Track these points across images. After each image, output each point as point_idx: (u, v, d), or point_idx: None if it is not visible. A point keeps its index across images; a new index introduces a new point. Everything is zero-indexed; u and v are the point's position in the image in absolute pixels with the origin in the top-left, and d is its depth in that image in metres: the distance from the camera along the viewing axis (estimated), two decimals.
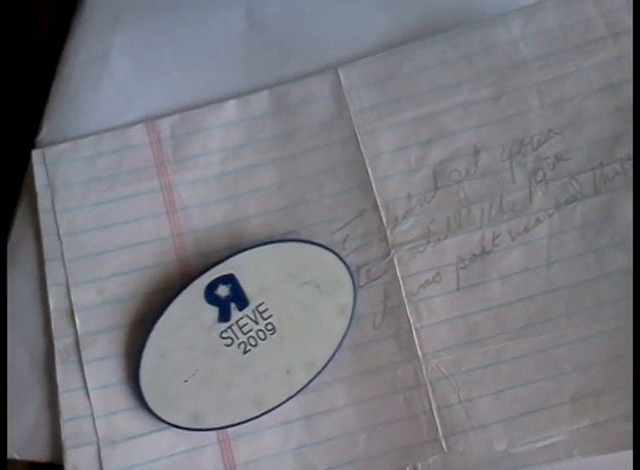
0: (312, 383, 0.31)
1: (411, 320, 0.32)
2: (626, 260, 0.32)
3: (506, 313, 0.32)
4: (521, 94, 0.34)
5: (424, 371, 0.32)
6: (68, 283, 0.32)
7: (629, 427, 0.31)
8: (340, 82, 0.35)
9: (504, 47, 0.35)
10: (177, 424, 0.31)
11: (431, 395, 0.31)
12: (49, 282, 0.33)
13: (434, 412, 0.31)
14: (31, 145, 0.35)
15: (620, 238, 0.32)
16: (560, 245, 0.32)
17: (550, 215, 0.33)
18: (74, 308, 0.32)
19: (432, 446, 0.31)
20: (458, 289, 0.32)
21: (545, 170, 0.33)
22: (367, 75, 0.35)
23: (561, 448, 0.31)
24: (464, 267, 0.33)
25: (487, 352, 0.32)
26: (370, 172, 0.34)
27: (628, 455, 0.30)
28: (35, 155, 0.34)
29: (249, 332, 0.31)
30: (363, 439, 0.31)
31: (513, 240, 0.33)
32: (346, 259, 0.32)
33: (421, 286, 0.33)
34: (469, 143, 0.34)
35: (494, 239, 0.33)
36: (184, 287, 0.31)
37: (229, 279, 0.31)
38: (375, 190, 0.33)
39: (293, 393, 0.31)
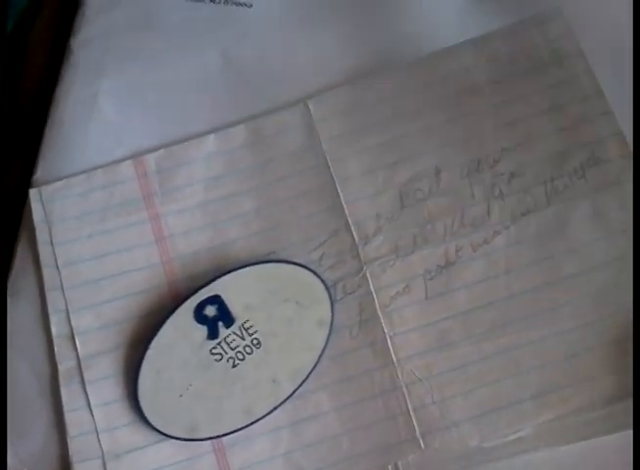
0: (297, 391, 0.34)
1: (385, 329, 0.35)
2: (579, 265, 0.35)
3: (471, 319, 0.35)
4: (476, 117, 0.37)
5: (399, 376, 0.34)
6: (67, 310, 0.35)
7: (589, 417, 0.33)
8: (310, 114, 0.38)
9: (458, 74, 0.38)
10: (175, 436, 0.33)
11: (407, 397, 0.34)
12: (50, 309, 0.35)
13: (411, 413, 0.34)
14: (28, 184, 0.37)
15: (572, 245, 0.35)
16: (517, 254, 0.35)
17: (507, 228, 0.35)
18: (75, 333, 0.34)
19: (410, 444, 0.33)
20: (426, 298, 0.35)
21: (501, 186, 0.36)
22: (334, 106, 0.38)
23: (528, 441, 0.33)
24: (431, 278, 0.35)
25: (456, 355, 0.34)
26: (341, 195, 0.36)
27: (589, 445, 0.33)
28: (32, 193, 0.36)
29: (236, 347, 0.34)
30: (346, 441, 0.33)
31: (474, 251, 0.35)
32: (323, 276, 0.35)
33: (392, 297, 0.35)
34: (430, 164, 0.37)
35: (457, 251, 0.35)
36: (175, 309, 0.33)
37: (215, 300, 0.34)
38: (346, 211, 0.36)
39: (279, 401, 0.33)
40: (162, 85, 0.39)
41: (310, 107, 0.37)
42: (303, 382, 0.34)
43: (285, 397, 0.34)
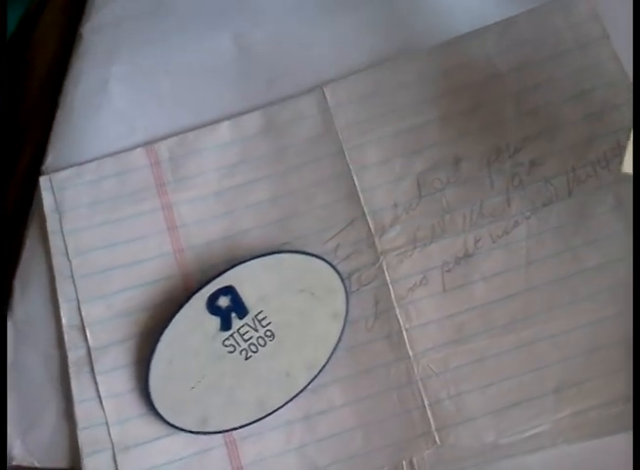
0: (311, 385, 0.33)
1: (401, 322, 0.34)
2: (600, 257, 0.34)
3: (490, 312, 0.34)
4: (497, 104, 0.36)
5: (415, 370, 0.33)
6: (78, 299, 0.34)
7: (609, 413, 0.32)
8: (326, 100, 0.37)
9: (479, 61, 0.37)
10: (186, 428, 0.32)
11: (422, 391, 0.33)
12: (60, 299, 0.34)
13: (427, 408, 0.33)
14: (38, 172, 0.37)
15: (594, 236, 0.34)
16: (538, 245, 0.34)
17: (527, 218, 0.35)
18: (85, 323, 0.34)
19: (425, 439, 0.33)
20: (444, 291, 0.34)
21: (521, 176, 0.35)
22: (351, 93, 0.37)
23: (546, 437, 0.32)
24: (449, 270, 0.34)
25: (473, 349, 0.34)
26: (357, 184, 0.36)
27: (607, 442, 0.32)
28: (43, 181, 0.36)
29: (249, 339, 0.33)
30: (361, 435, 0.33)
31: (494, 242, 0.35)
32: (338, 267, 0.34)
33: (409, 289, 0.34)
34: (449, 153, 0.36)
35: (476, 242, 0.35)
36: (187, 299, 0.33)
37: (229, 290, 0.33)
38: (362, 200, 0.35)
39: (293, 395, 0.33)
40: (175, 71, 0.39)
41: (326, 93, 0.37)
42: (317, 375, 0.33)
43: (298, 390, 0.33)
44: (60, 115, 0.38)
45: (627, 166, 0.27)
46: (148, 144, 0.37)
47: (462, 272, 0.34)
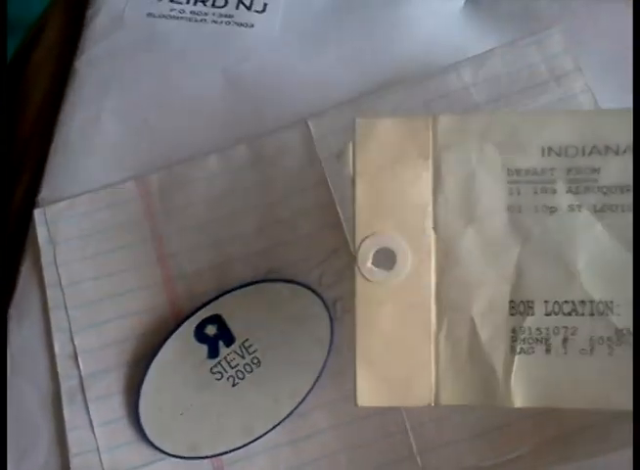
0: (297, 410, 0.34)
1: None
2: None
3: None
4: None
5: None
6: (71, 329, 0.35)
7: (591, 436, 0.33)
8: (310, 132, 0.38)
9: (457, 93, 0.38)
10: (176, 454, 0.33)
11: (404, 415, 0.34)
12: (54, 329, 0.35)
13: (409, 431, 0.34)
14: (33, 204, 0.38)
15: None
16: None
17: None
18: (78, 352, 0.35)
19: (407, 462, 0.33)
20: None
21: None
22: (334, 125, 0.38)
23: (527, 461, 0.33)
24: None
25: None
26: (340, 213, 0.37)
27: (590, 465, 0.32)
28: (37, 213, 0.37)
29: (236, 366, 0.34)
30: (345, 459, 0.34)
31: None
32: (323, 295, 0.35)
33: None
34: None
35: None
36: (176, 328, 0.34)
37: (216, 319, 0.34)
38: (345, 229, 0.36)
39: (279, 420, 0.34)
40: (165, 106, 0.40)
41: (310, 126, 0.38)
42: (303, 400, 0.34)
43: (284, 415, 0.34)
44: (54, 148, 0.39)
45: None
46: (138, 177, 0.38)
47: None
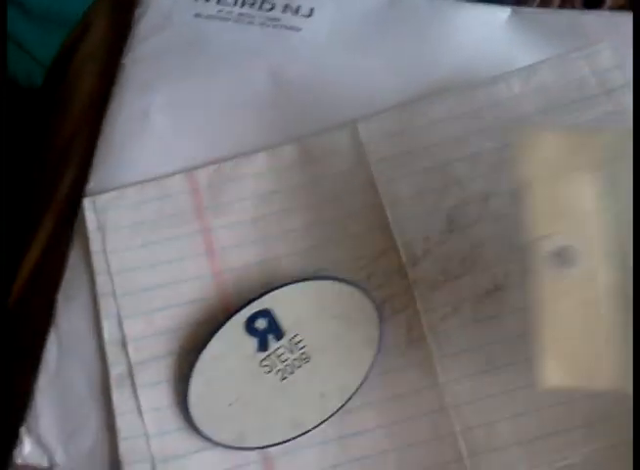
0: (345, 407, 0.34)
1: (433, 350, 0.35)
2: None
3: (520, 344, 0.35)
4: (517, 147, 0.38)
5: (446, 397, 0.34)
6: (120, 316, 0.35)
7: None
8: (359, 135, 0.38)
9: (507, 103, 0.39)
10: (223, 443, 0.33)
11: (454, 418, 0.34)
12: (102, 315, 0.35)
13: (458, 435, 0.34)
14: (80, 193, 0.38)
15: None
16: None
17: None
18: (127, 339, 0.35)
19: (456, 466, 0.33)
20: (475, 321, 0.35)
21: None
22: (383, 128, 0.38)
23: None
24: (479, 302, 0.35)
25: (503, 379, 0.34)
26: (389, 216, 0.37)
27: None
28: (87, 202, 0.37)
29: (285, 361, 0.34)
30: (393, 458, 0.33)
31: (522, 277, 0.36)
32: (371, 295, 0.35)
33: (440, 319, 0.35)
34: (479, 190, 0.37)
35: (505, 276, 0.36)
36: (226, 320, 0.34)
37: (266, 313, 0.34)
38: (394, 232, 0.37)
39: (327, 416, 0.33)
40: (213, 103, 0.40)
41: (359, 129, 0.38)
42: (350, 398, 0.34)
43: (332, 411, 0.34)
44: (102, 141, 0.39)
45: None
46: (187, 171, 0.38)
47: (492, 305, 0.35)
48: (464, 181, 0.37)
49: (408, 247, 0.36)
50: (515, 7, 0.42)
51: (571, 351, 0.27)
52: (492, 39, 0.41)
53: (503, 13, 0.42)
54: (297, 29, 0.42)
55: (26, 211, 0.42)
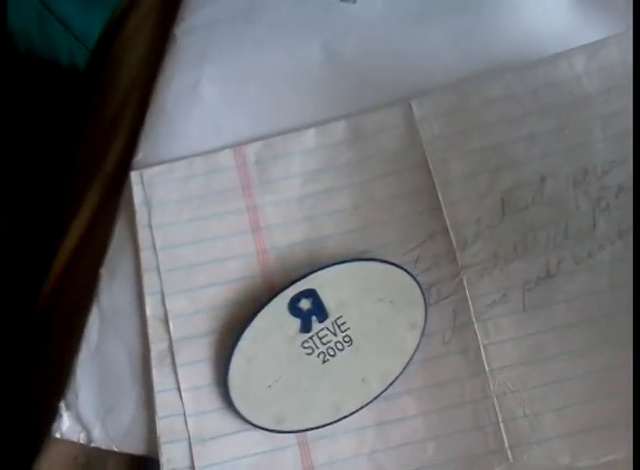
0: (385, 392, 0.33)
1: (479, 337, 0.34)
2: None
3: (569, 334, 0.34)
4: (584, 126, 0.36)
5: (491, 386, 0.33)
6: (163, 292, 0.35)
7: None
8: (412, 113, 0.37)
9: (568, 82, 0.37)
10: (261, 425, 0.33)
11: (497, 408, 0.33)
12: (146, 291, 0.35)
13: (501, 424, 0.33)
14: (127, 166, 0.38)
15: None
16: (622, 271, 0.34)
17: (613, 243, 0.34)
18: (169, 316, 0.35)
19: (497, 456, 0.33)
20: (524, 309, 0.34)
21: (609, 199, 0.35)
22: (438, 107, 0.37)
23: (623, 465, 0.32)
24: (529, 289, 0.34)
25: (551, 369, 0.33)
26: (440, 197, 0.36)
27: None
28: (134, 175, 0.37)
29: (328, 343, 0.33)
30: (432, 447, 0.33)
31: (577, 264, 0.34)
32: (418, 278, 0.34)
33: (488, 306, 0.34)
34: (535, 172, 0.36)
35: (559, 263, 0.35)
36: (270, 299, 0.33)
37: (310, 293, 0.34)
38: (445, 214, 0.36)
39: (367, 401, 0.33)
40: (264, 76, 0.39)
41: (413, 106, 0.37)
42: (392, 384, 0.34)
43: (372, 396, 0.33)
44: (151, 113, 0.39)
45: None
46: (235, 146, 0.37)
47: (542, 292, 0.34)
48: (519, 163, 0.36)
49: (459, 230, 0.35)
50: None
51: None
52: (555, 15, 0.39)
53: None
54: (352, 1, 0.41)
55: (71, 183, 0.42)
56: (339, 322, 0.33)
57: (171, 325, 0.35)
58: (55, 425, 0.34)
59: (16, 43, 0.75)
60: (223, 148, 0.38)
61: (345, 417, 0.33)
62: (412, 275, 0.34)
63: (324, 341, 0.33)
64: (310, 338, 0.33)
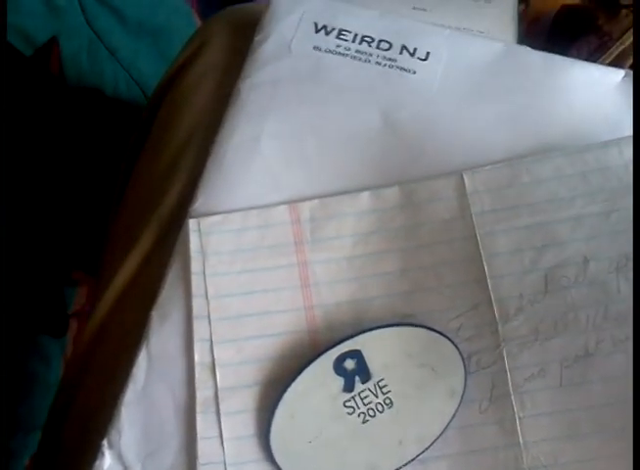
0: (421, 456, 0.34)
1: (515, 409, 0.35)
2: None
3: (604, 414, 0.34)
4: (630, 213, 0.37)
5: (524, 458, 0.34)
6: (211, 340, 0.36)
7: None
8: (464, 185, 0.38)
9: (617, 168, 0.38)
10: None
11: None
12: (195, 337, 0.36)
13: None
14: (182, 213, 0.39)
15: None
16: None
17: None
18: (216, 364, 0.36)
19: None
20: (561, 385, 0.35)
21: None
22: (489, 182, 0.38)
23: None
24: (567, 366, 0.35)
25: (585, 447, 0.34)
26: (486, 270, 0.37)
27: None
28: (192, 223, 0.38)
29: (369, 404, 0.34)
30: None
31: (614, 346, 0.35)
32: (459, 347, 0.35)
33: (526, 379, 0.35)
34: (579, 253, 0.37)
35: (597, 343, 0.35)
36: (316, 356, 0.34)
37: (356, 354, 0.35)
38: (490, 286, 0.37)
39: (403, 463, 0.34)
40: (323, 137, 0.41)
41: (465, 178, 0.38)
42: (428, 448, 0.34)
43: (408, 459, 0.34)
44: (211, 163, 0.40)
45: None
46: (291, 202, 0.39)
47: (580, 370, 0.35)
48: (564, 242, 0.37)
49: (502, 303, 0.36)
50: (628, 70, 0.42)
51: None
52: (604, 101, 0.41)
53: (616, 75, 0.42)
54: (413, 72, 0.42)
55: (126, 223, 0.43)
56: (380, 384, 0.34)
57: (218, 373, 0.35)
58: (97, 463, 0.34)
59: (66, 70, 0.78)
60: (278, 202, 0.39)
61: None
62: (455, 344, 0.35)
63: (365, 401, 0.34)
64: (352, 398, 0.34)
